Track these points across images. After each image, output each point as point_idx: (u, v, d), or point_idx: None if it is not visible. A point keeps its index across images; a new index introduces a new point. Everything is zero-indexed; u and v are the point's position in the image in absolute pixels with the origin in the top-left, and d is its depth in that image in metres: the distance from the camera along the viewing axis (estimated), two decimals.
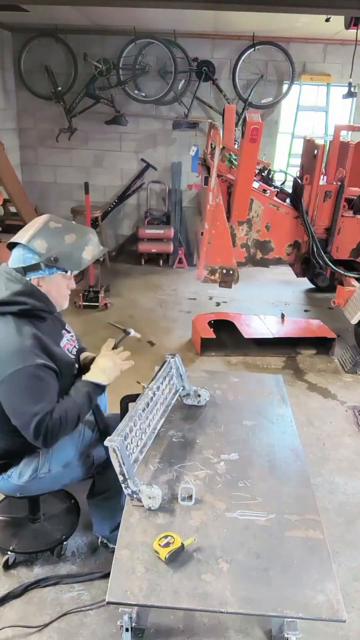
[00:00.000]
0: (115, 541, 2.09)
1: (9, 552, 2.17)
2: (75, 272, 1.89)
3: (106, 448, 1.80)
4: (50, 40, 5.78)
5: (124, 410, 2.22)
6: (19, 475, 1.91)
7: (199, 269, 3.98)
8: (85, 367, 2.01)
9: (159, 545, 1.44)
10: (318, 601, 1.34)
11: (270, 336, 4.17)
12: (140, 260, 6.44)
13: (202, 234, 3.91)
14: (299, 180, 4.10)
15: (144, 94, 5.92)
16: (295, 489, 1.73)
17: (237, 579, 1.40)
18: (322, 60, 5.91)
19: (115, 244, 6.75)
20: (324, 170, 4.07)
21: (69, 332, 2.07)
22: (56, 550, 2.22)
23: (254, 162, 3.71)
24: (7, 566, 2.16)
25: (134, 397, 2.03)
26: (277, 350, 4.20)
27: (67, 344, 1.99)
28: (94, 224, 5.88)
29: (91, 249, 1.85)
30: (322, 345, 4.26)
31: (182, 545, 1.45)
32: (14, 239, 1.82)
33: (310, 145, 4.15)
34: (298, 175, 4.33)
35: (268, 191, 4.09)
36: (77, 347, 2.08)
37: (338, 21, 4.29)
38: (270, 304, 5.28)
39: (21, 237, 1.80)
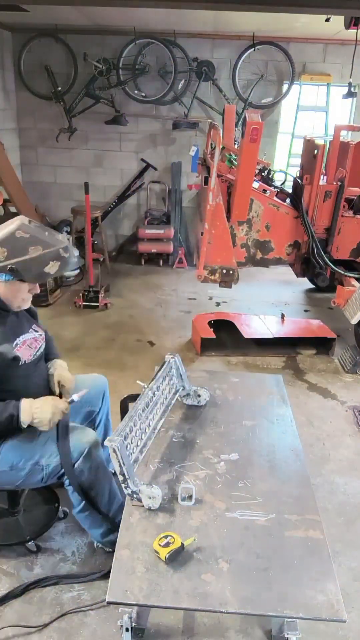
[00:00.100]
0: (110, 546, 2.11)
1: None
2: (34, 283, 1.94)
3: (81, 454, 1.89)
4: (50, 40, 5.78)
5: (124, 410, 2.22)
6: None
7: (199, 269, 3.98)
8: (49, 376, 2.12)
9: (159, 545, 1.44)
10: (318, 601, 1.34)
11: (270, 336, 4.17)
12: (140, 260, 6.44)
13: (202, 234, 3.91)
14: (299, 180, 4.10)
15: (144, 94, 5.92)
16: (295, 489, 1.73)
17: (237, 579, 1.40)
18: (322, 60, 5.91)
19: (115, 244, 6.76)
20: (324, 170, 4.07)
21: (37, 331, 2.10)
22: (26, 547, 2.25)
23: (254, 162, 3.71)
24: None
25: (134, 397, 2.03)
26: (277, 350, 4.20)
27: (31, 340, 2.03)
28: (94, 224, 5.89)
29: (57, 264, 1.84)
30: (322, 345, 4.26)
31: (182, 545, 1.45)
32: None
33: (310, 145, 4.15)
34: (298, 175, 4.33)
35: (268, 191, 4.09)
36: (43, 347, 2.11)
37: (338, 21, 4.29)
38: (270, 304, 5.28)
39: None
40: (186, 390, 2.16)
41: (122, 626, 1.61)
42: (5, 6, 4.50)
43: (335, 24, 4.42)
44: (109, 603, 1.37)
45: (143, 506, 1.60)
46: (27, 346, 1.99)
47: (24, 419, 1.85)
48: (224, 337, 4.27)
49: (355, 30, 4.21)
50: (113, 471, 1.83)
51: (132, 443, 1.69)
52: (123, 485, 1.60)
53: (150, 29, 5.52)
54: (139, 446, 1.75)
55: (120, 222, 6.67)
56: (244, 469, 1.81)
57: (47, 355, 2.20)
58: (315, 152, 3.93)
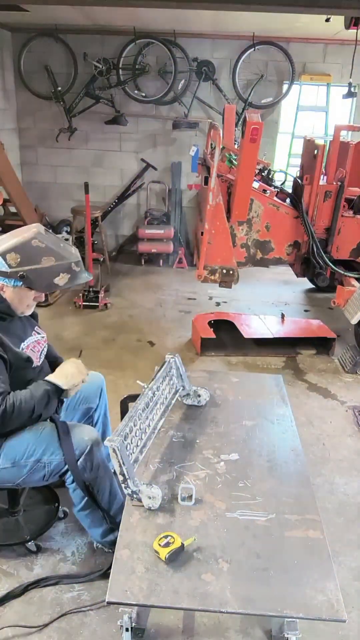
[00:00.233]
0: (109, 546, 2.11)
1: None
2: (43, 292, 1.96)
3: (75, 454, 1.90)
4: (50, 40, 5.78)
5: (124, 410, 2.22)
6: None
7: (199, 269, 3.98)
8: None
9: (159, 545, 1.44)
10: (318, 601, 1.34)
11: (270, 336, 4.17)
12: (140, 260, 6.44)
13: (202, 234, 3.91)
14: (299, 180, 4.10)
15: (144, 94, 5.93)
16: (295, 489, 1.73)
17: (237, 579, 1.40)
18: (322, 60, 5.91)
19: (115, 244, 6.76)
20: (324, 170, 4.07)
21: (39, 333, 2.12)
22: (25, 547, 2.25)
23: (254, 162, 3.70)
24: None
25: (134, 397, 2.03)
26: (277, 350, 4.20)
27: (34, 344, 2.05)
28: (94, 224, 5.89)
29: (66, 277, 1.89)
30: (322, 345, 4.26)
31: (182, 545, 1.45)
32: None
33: (310, 145, 4.15)
34: (298, 175, 4.33)
35: (268, 191, 4.09)
36: (46, 349, 2.14)
37: (338, 21, 4.29)
38: (270, 304, 5.28)
39: (2, 242, 1.85)
40: (186, 390, 2.16)
41: (122, 626, 1.61)
42: (5, 6, 4.51)
43: (335, 24, 4.42)
44: (109, 603, 1.37)
45: (143, 506, 1.60)
46: (30, 350, 2.00)
47: (62, 382, 1.91)
48: (224, 337, 4.27)
49: (355, 30, 4.21)
50: (113, 470, 1.83)
51: (132, 443, 1.69)
52: (123, 485, 1.60)
53: (150, 29, 5.53)
54: (139, 446, 1.75)
55: (120, 222, 6.68)
56: (244, 469, 1.81)
57: (54, 360, 2.22)
58: (315, 152, 3.93)
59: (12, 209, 5.38)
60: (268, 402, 2.26)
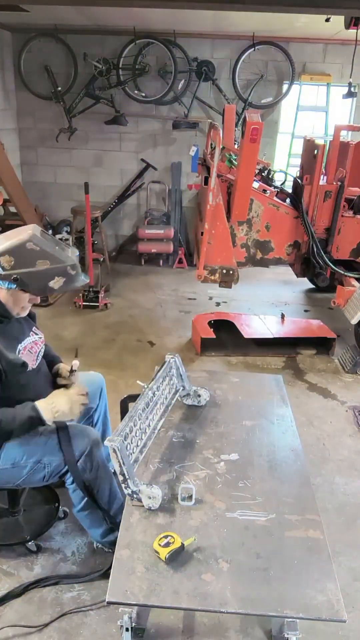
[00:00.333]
0: (109, 546, 2.12)
1: None
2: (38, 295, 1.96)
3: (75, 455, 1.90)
4: (50, 40, 5.78)
5: (124, 410, 2.22)
6: None
7: (199, 269, 3.98)
8: (54, 376, 2.15)
9: (159, 545, 1.44)
10: (318, 601, 1.34)
11: (270, 336, 4.17)
12: (140, 260, 6.44)
13: (202, 234, 3.91)
14: (299, 180, 4.10)
15: (144, 94, 5.92)
16: (295, 489, 1.73)
17: (237, 579, 1.40)
18: (322, 60, 5.91)
19: (115, 244, 6.76)
20: (324, 170, 4.07)
21: (37, 334, 2.11)
22: (26, 547, 2.25)
23: (254, 162, 3.71)
24: None
25: (134, 397, 2.03)
26: (277, 350, 4.20)
27: (31, 344, 2.04)
28: (94, 224, 5.89)
29: (61, 280, 1.87)
30: (322, 345, 4.26)
31: (182, 545, 1.45)
32: None
33: (310, 145, 4.15)
34: (298, 175, 4.33)
35: (268, 191, 4.09)
36: (43, 349, 2.13)
37: (338, 21, 4.29)
38: (270, 304, 5.28)
39: None
40: (186, 390, 2.16)
41: (122, 626, 1.61)
42: (5, 6, 4.50)
43: (335, 24, 4.42)
44: (109, 603, 1.37)
45: (143, 506, 1.60)
46: (27, 351, 2.00)
47: (48, 417, 1.88)
48: (224, 337, 4.27)
49: (355, 30, 4.21)
50: (113, 470, 1.83)
51: (132, 443, 1.69)
52: (123, 485, 1.60)
53: (150, 29, 5.52)
54: (139, 446, 1.75)
55: (120, 222, 6.68)
56: (244, 469, 1.81)
57: (51, 359, 2.21)
58: (315, 152, 3.93)
59: (12, 209, 5.38)
60: (268, 402, 2.26)
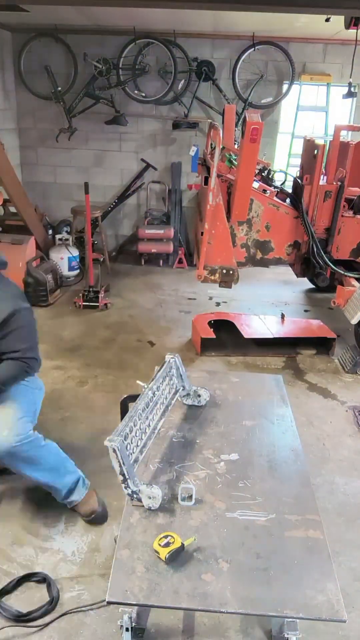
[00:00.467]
0: (73, 502, 2.34)
1: None
2: None
3: None
4: (50, 40, 5.78)
5: (124, 410, 2.22)
6: None
7: (199, 269, 3.98)
8: None
9: (159, 545, 1.44)
10: (318, 601, 1.34)
11: (270, 336, 4.17)
12: (140, 260, 6.44)
13: (202, 234, 3.91)
14: (299, 180, 4.10)
15: (144, 94, 5.92)
16: (295, 489, 1.73)
17: (237, 579, 1.40)
18: (322, 60, 5.91)
19: (115, 244, 6.75)
20: (324, 170, 4.07)
21: None
22: None
23: (254, 162, 3.71)
24: None
25: (134, 397, 2.03)
26: (277, 350, 4.20)
27: None
28: (94, 224, 5.89)
29: None
30: (322, 345, 4.26)
31: (182, 545, 1.45)
32: None
33: (310, 145, 4.15)
34: (298, 175, 4.33)
35: (268, 191, 4.09)
36: None
37: (338, 21, 4.29)
38: (270, 304, 5.28)
39: None
40: (186, 390, 2.16)
41: (122, 626, 1.61)
42: (5, 6, 4.50)
43: (335, 24, 4.42)
44: (109, 603, 1.37)
45: (143, 506, 1.60)
46: None
47: None
48: (224, 337, 4.27)
49: (355, 30, 4.21)
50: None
51: (132, 443, 1.69)
52: (123, 485, 1.60)
53: (150, 29, 5.53)
54: (139, 446, 1.75)
55: (120, 222, 6.67)
56: (244, 469, 1.81)
57: None
58: (315, 152, 3.93)
59: (12, 209, 5.38)
60: (268, 402, 2.26)
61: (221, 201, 3.80)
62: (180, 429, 2.01)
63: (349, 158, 3.98)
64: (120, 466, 1.57)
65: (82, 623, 1.96)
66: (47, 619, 1.96)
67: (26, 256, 5.04)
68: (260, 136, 3.51)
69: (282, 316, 4.48)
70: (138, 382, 1.94)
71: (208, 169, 3.83)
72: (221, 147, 3.75)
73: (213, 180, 3.69)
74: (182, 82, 5.85)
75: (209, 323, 4.31)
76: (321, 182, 4.03)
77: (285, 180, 4.48)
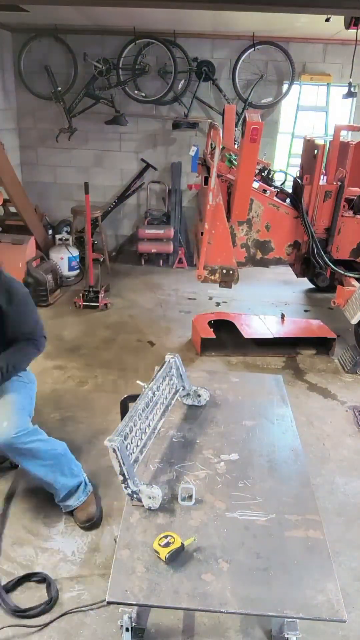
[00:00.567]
0: (68, 507, 2.35)
1: None
2: None
3: None
4: (50, 40, 5.78)
5: (124, 410, 2.22)
6: None
7: (199, 269, 3.98)
8: None
9: (159, 545, 1.44)
10: (318, 601, 1.34)
11: (270, 336, 4.17)
12: (140, 260, 6.44)
13: (202, 234, 3.91)
14: (299, 180, 4.10)
15: (143, 94, 5.92)
16: (295, 489, 1.73)
17: (237, 579, 1.40)
18: (322, 60, 5.91)
19: (115, 244, 6.75)
20: (324, 170, 4.07)
21: None
22: None
23: (254, 162, 3.71)
24: None
25: (134, 397, 2.03)
26: (277, 350, 4.20)
27: None
28: (94, 224, 5.89)
29: None
30: (322, 345, 4.26)
31: (182, 545, 1.45)
32: None
33: (310, 145, 4.15)
34: (298, 175, 4.33)
35: (268, 191, 4.09)
36: None
37: (338, 21, 4.29)
38: (270, 304, 5.28)
39: None
40: (186, 390, 2.16)
41: (122, 626, 1.61)
42: (5, 6, 4.50)
43: (335, 24, 4.42)
44: (109, 603, 1.37)
45: (143, 506, 1.60)
46: None
47: None
48: (224, 337, 4.27)
49: (355, 30, 4.21)
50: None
51: (132, 443, 1.69)
52: (123, 485, 1.60)
53: (150, 29, 5.52)
54: (139, 446, 1.75)
55: (120, 222, 6.67)
56: (244, 469, 1.81)
57: None
58: (315, 152, 3.93)
59: (12, 209, 5.38)
60: (268, 402, 2.26)
61: (221, 201, 3.80)
62: (180, 429, 2.01)
63: (349, 158, 3.98)
64: (120, 466, 1.57)
65: (82, 623, 1.96)
66: (47, 619, 1.96)
67: (26, 256, 5.05)
68: (260, 136, 3.51)
69: (282, 316, 4.48)
70: (138, 382, 1.94)
71: (208, 169, 3.83)
72: (221, 147, 3.75)
73: (213, 180, 3.69)
74: (182, 82, 5.85)
75: (209, 323, 4.31)
76: (321, 182, 4.03)
77: (285, 180, 4.48)
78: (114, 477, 1.61)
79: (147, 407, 1.86)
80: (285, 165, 6.05)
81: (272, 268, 4.59)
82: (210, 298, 5.39)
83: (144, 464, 1.78)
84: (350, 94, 5.32)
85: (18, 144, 6.34)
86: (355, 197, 4.14)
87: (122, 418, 1.73)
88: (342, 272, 4.13)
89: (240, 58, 5.74)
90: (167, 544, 1.44)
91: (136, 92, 5.92)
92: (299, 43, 5.77)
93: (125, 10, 4.44)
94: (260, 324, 4.37)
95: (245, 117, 3.58)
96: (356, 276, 4.11)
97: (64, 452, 2.34)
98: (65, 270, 5.54)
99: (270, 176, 4.30)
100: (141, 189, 6.46)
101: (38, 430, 2.25)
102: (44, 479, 2.28)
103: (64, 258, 5.54)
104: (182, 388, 2.16)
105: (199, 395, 2.17)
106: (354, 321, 3.92)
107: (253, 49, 5.68)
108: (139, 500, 1.60)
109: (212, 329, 4.20)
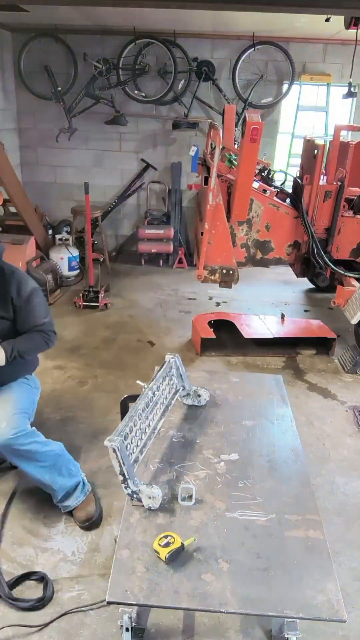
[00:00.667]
0: (67, 507, 2.35)
1: None
2: None
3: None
4: (50, 40, 5.78)
5: (124, 410, 2.22)
6: None
7: (199, 269, 3.98)
8: None
9: (159, 545, 1.44)
10: (318, 601, 1.34)
11: (270, 336, 4.17)
12: (140, 260, 6.44)
13: (202, 234, 3.91)
14: (299, 180, 4.10)
15: (143, 94, 5.92)
16: (295, 489, 1.73)
17: (237, 579, 1.40)
18: (322, 60, 5.91)
19: (115, 244, 6.76)
20: (324, 170, 4.07)
21: None
22: None
23: (254, 162, 3.70)
24: None
25: (134, 397, 2.03)
26: (277, 350, 4.20)
27: None
28: (94, 224, 5.89)
29: None
30: (322, 345, 4.26)
31: (182, 545, 1.45)
32: None
33: (310, 145, 4.15)
34: (298, 175, 4.33)
35: (268, 191, 4.09)
36: None
37: (338, 21, 4.29)
38: (270, 304, 5.28)
39: None
40: (186, 390, 2.16)
41: (122, 626, 1.61)
42: (5, 6, 4.51)
43: (335, 24, 4.42)
44: (109, 603, 1.37)
45: (143, 506, 1.60)
46: None
47: None
48: (224, 337, 4.27)
49: (355, 30, 4.22)
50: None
51: (132, 443, 1.69)
52: (123, 485, 1.60)
53: (150, 29, 5.53)
54: (139, 446, 1.75)
55: (120, 222, 6.68)
56: (244, 469, 1.81)
57: None
58: (315, 152, 3.93)
59: (12, 209, 5.38)
60: (268, 402, 2.26)
61: (221, 201, 3.80)
62: (180, 429, 2.01)
63: (349, 158, 3.98)
64: (120, 466, 1.57)
65: (82, 623, 1.96)
66: (47, 619, 1.96)
67: (26, 256, 5.05)
68: (260, 136, 3.50)
69: (282, 316, 4.48)
70: (138, 382, 1.94)
71: (208, 169, 3.83)
72: (221, 147, 3.75)
73: (213, 180, 3.69)
74: (182, 82, 5.85)
75: (209, 323, 4.31)
76: (321, 182, 4.03)
77: (285, 180, 4.48)
78: (113, 477, 1.61)
79: (147, 407, 1.86)
80: (285, 165, 6.06)
81: (272, 268, 4.59)
82: (210, 298, 5.39)
83: (144, 464, 1.78)
84: (350, 94, 5.32)
85: (18, 144, 6.35)
86: (355, 197, 4.14)
87: (122, 418, 1.73)
88: (342, 272, 4.13)
89: (240, 58, 5.74)
90: (167, 544, 1.44)
91: (136, 92, 5.92)
92: (299, 43, 5.77)
93: (125, 10, 4.44)
94: (260, 324, 4.37)
95: (245, 117, 3.58)
96: (356, 276, 4.11)
97: (61, 452, 2.35)
98: (65, 270, 5.54)
99: (270, 176, 4.30)
100: (141, 189, 6.46)
101: (35, 432, 2.26)
102: (41, 480, 2.28)
103: (64, 258, 5.54)
104: (182, 388, 2.16)
105: (199, 395, 2.17)
106: (354, 321, 3.91)
107: (253, 49, 5.69)
108: (139, 500, 1.60)
109: (212, 329, 4.20)
